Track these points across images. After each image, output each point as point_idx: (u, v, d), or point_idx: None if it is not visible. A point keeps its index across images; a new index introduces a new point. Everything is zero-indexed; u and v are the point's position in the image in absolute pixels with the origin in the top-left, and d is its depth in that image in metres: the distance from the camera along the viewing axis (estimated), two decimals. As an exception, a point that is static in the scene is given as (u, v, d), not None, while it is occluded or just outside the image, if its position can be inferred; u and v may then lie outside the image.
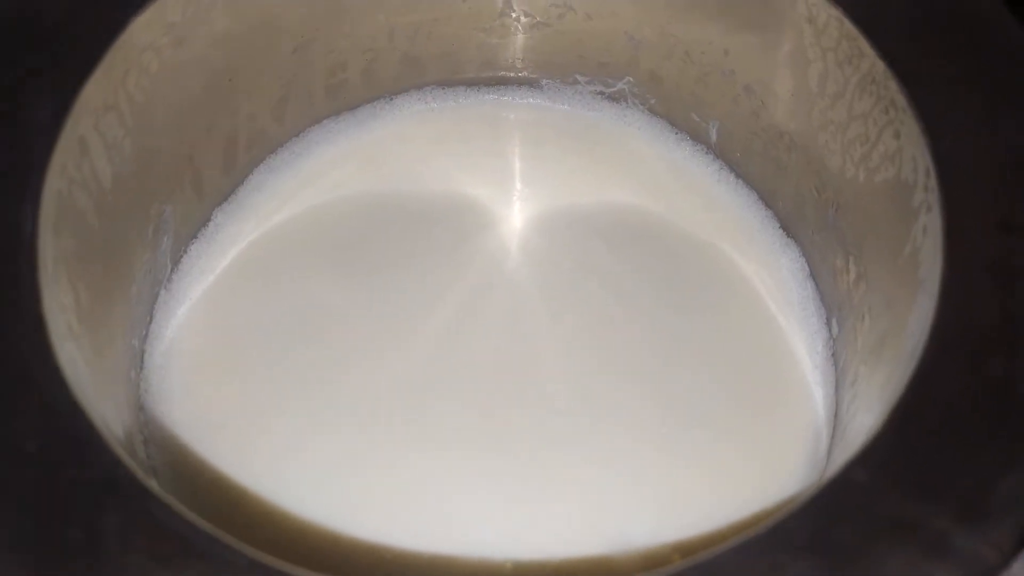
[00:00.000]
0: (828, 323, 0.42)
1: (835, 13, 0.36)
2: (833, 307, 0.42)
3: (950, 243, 0.31)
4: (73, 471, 0.26)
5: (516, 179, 0.47)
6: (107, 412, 0.32)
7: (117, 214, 0.36)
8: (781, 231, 0.45)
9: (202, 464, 0.38)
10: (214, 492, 0.38)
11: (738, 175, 0.46)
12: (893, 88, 0.34)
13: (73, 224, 0.33)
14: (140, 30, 0.35)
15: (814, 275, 0.43)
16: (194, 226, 0.44)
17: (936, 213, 0.32)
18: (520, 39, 0.47)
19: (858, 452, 0.27)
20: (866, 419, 0.33)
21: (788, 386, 0.41)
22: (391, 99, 0.48)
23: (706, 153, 0.47)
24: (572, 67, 0.48)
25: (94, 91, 0.33)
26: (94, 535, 0.25)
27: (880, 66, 0.35)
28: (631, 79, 0.47)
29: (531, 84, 0.49)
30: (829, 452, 0.39)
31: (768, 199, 0.45)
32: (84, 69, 0.33)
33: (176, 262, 0.43)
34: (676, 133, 0.47)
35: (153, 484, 0.27)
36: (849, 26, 0.35)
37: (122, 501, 0.26)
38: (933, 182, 0.32)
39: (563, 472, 0.38)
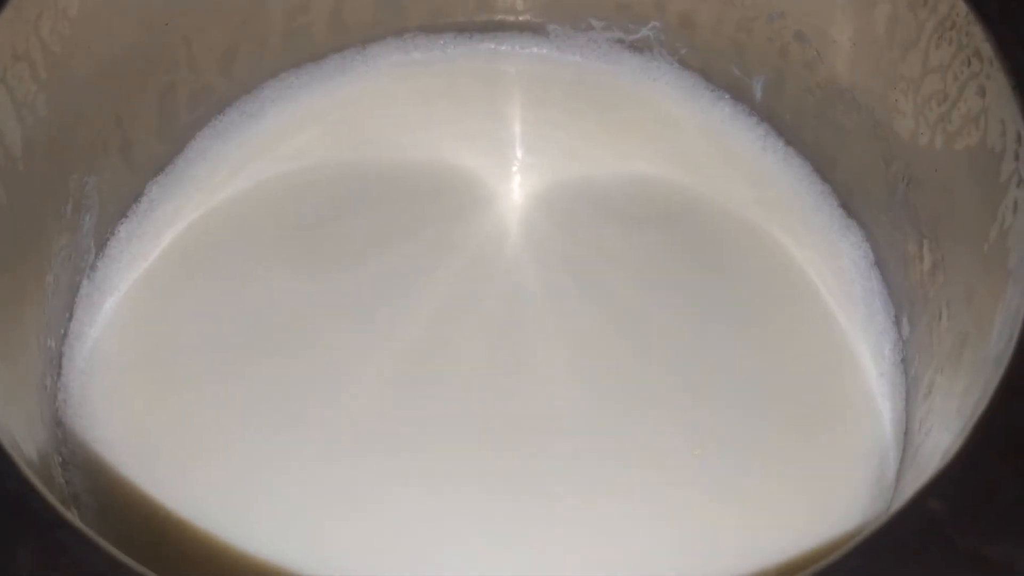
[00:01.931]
0: (897, 322, 0.42)
1: (907, -57, 0.37)
2: (904, 302, 0.42)
3: (1046, 224, 0.31)
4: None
5: (516, 147, 0.47)
6: (16, 427, 0.33)
7: (28, 187, 0.37)
8: (840, 210, 0.45)
9: (132, 492, 0.38)
10: (146, 526, 0.38)
11: (788, 141, 0.47)
12: (977, 35, 0.35)
13: (-26, 199, 0.34)
14: (57, -39, 0.36)
15: (880, 263, 0.44)
16: (123, 202, 0.44)
17: (1029, 187, 0.32)
18: (522, -25, 0.48)
19: (932, 478, 0.28)
20: (943, 438, 0.34)
21: (849, 399, 0.42)
22: (364, 48, 0.48)
23: (749, 115, 0.47)
24: (585, 9, 0.48)
25: (0, 37, 0.34)
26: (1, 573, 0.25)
27: (961, 8, 0.35)
28: (657, 24, 0.47)
29: (535, 30, 0.49)
30: (897, 479, 0.39)
31: (825, 171, 0.46)
32: (-12, 10, 0.34)
33: (102, 246, 0.43)
34: (712, 90, 0.48)
35: (72, 515, 0.27)
36: (924, -41, 0.36)
37: (34, 535, 0.26)
38: (1025, 150, 0.32)
39: (572, 508, 0.39)
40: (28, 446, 0.33)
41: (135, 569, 0.26)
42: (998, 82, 0.34)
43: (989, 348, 0.32)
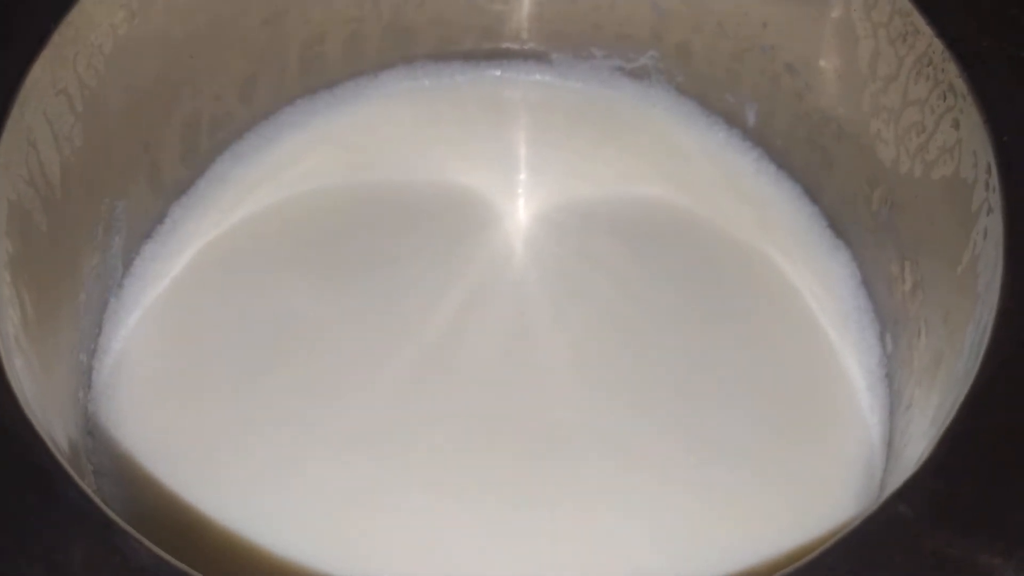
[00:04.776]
0: (882, 338, 0.45)
1: (887, -16, 0.39)
2: (888, 320, 0.44)
3: (1012, 250, 0.34)
4: (34, 501, 0.29)
5: (521, 168, 0.50)
6: (58, 438, 0.35)
7: (65, 213, 0.39)
8: (829, 230, 0.47)
9: (159, 499, 0.41)
10: (173, 531, 0.40)
11: (780, 165, 0.49)
12: (952, 71, 0.37)
13: (19, 225, 0.36)
14: (93, 4, 0.38)
15: (867, 283, 0.46)
16: (149, 223, 0.46)
17: (998, 215, 0.34)
18: (526, 5, 0.50)
19: (902, 484, 0.30)
20: (919, 447, 0.36)
21: (839, 412, 0.43)
22: (376, 75, 0.51)
23: (743, 139, 0.49)
24: (587, 39, 0.50)
25: (42, 74, 0.36)
26: (57, 570, 0.28)
27: (937, 46, 0.37)
28: (655, 53, 0.49)
29: (539, 58, 0.51)
30: (882, 486, 0.41)
31: (814, 193, 0.48)
32: (31, 50, 0.36)
33: (128, 265, 0.46)
34: (708, 116, 0.50)
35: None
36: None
37: (88, 534, 0.29)
38: (995, 180, 0.35)
39: (574, 510, 0.40)
40: (65, 457, 0.36)
41: (178, 567, 0.28)
42: (971, 116, 0.36)
43: (960, 365, 0.35)
